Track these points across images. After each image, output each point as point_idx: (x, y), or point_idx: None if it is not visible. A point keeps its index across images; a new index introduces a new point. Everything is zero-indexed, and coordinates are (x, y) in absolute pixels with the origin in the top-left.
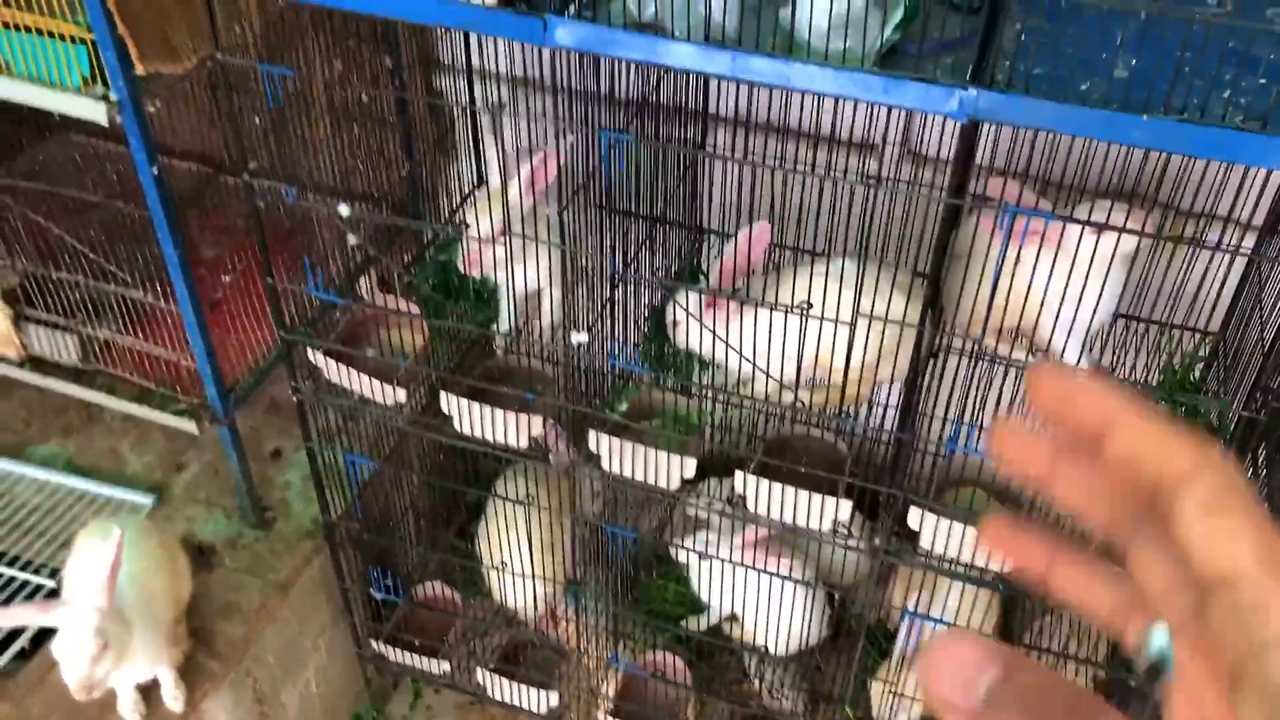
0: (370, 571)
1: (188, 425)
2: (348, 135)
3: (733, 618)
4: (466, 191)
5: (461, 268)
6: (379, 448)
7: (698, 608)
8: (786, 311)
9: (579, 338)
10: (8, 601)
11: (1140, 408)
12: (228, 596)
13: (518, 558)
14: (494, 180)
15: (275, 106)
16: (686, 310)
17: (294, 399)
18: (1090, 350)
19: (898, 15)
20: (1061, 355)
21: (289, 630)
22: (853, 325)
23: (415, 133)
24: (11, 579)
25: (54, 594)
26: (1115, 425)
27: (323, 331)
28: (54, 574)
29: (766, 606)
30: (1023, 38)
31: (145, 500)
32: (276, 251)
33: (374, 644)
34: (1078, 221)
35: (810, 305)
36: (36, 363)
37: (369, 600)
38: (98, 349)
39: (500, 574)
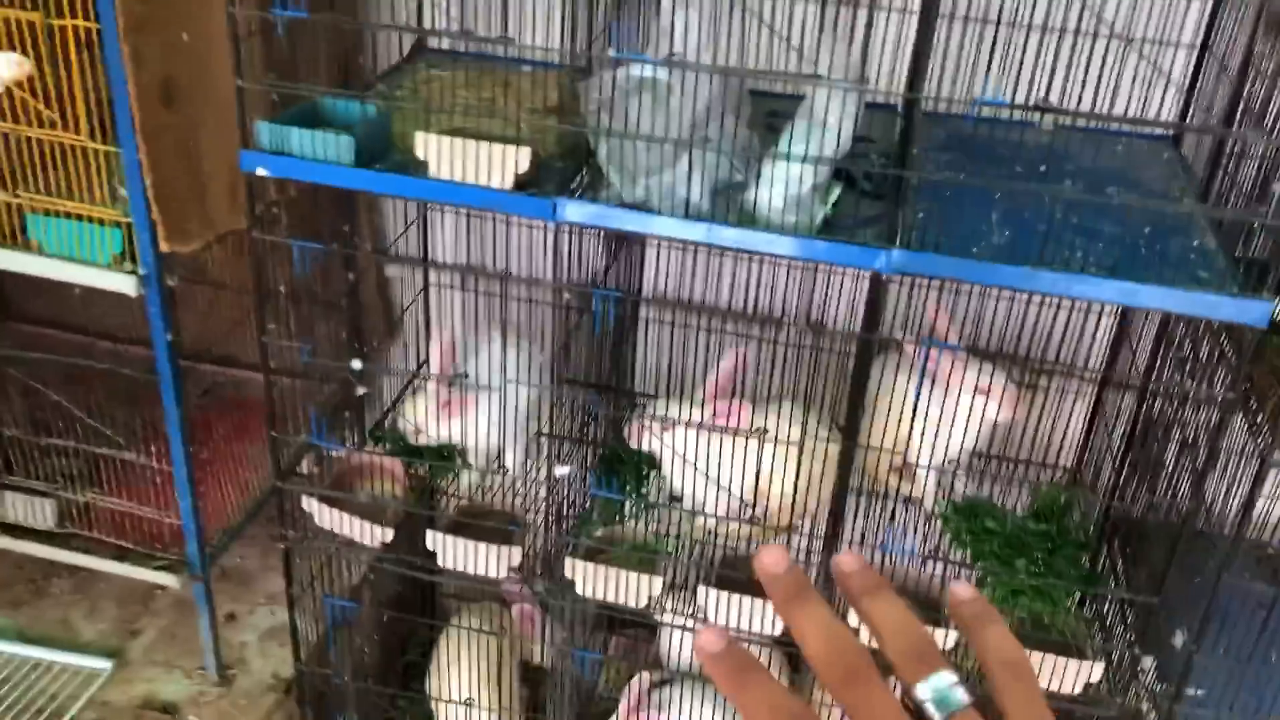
0: (334, 717)
1: (168, 579)
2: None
3: None
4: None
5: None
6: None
7: None
8: (747, 436)
9: (562, 470)
10: None
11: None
12: None
13: (470, 692)
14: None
15: (302, 276)
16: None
17: (281, 546)
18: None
19: (833, 196)
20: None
21: None
22: (800, 445)
23: (365, 316)
24: None
25: None
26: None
27: (314, 481)
28: None
29: None
30: (919, 215)
31: (103, 665)
32: (245, 419)
33: None
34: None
35: (766, 430)
36: (6, 528)
37: None
38: (76, 512)
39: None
